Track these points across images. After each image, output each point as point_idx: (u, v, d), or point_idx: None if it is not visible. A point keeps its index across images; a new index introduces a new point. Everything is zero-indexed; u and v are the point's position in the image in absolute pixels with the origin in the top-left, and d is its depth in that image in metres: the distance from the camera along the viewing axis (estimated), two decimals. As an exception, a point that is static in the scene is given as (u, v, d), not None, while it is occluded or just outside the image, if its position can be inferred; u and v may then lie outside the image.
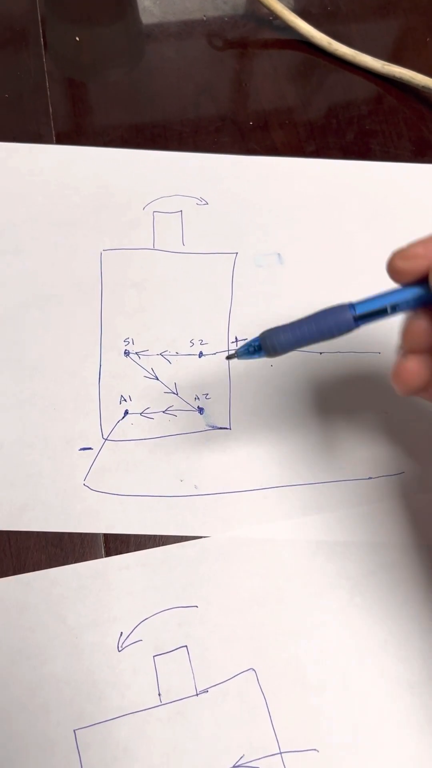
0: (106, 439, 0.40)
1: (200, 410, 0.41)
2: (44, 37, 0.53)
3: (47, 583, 0.37)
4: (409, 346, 0.28)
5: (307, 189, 0.48)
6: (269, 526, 0.39)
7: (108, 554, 0.38)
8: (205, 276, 0.45)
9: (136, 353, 0.43)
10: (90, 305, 0.44)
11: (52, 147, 0.48)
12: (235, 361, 0.43)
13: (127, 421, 0.41)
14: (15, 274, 0.44)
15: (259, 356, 0.31)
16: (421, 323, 0.27)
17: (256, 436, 0.41)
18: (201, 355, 0.43)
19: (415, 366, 0.28)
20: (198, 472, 0.40)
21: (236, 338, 0.44)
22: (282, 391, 0.42)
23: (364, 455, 0.41)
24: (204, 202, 0.47)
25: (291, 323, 0.30)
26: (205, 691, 0.36)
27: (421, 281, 0.27)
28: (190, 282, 0.45)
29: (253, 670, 0.36)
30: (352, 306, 0.29)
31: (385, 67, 0.52)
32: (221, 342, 0.43)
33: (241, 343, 0.43)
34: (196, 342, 0.43)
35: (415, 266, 0.26)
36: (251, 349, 0.31)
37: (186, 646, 0.37)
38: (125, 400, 0.41)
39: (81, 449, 0.40)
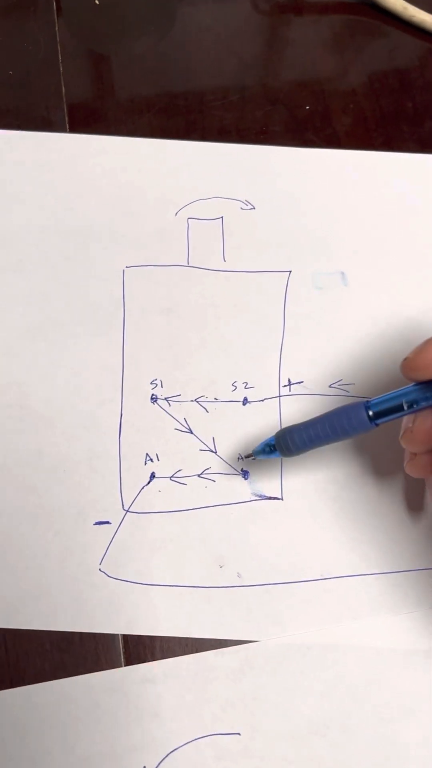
0: (127, 511, 0.33)
1: (245, 474, 0.33)
2: (57, 1, 0.44)
3: (52, 699, 0.30)
4: (412, 448, 0.28)
5: (380, 191, 0.39)
6: (331, 628, 0.31)
7: (128, 662, 0.31)
8: (251, 300, 0.36)
9: (166, 399, 0.34)
10: (109, 337, 0.35)
11: (65, 136, 0.40)
12: (289, 409, 0.34)
13: (154, 487, 0.33)
14: (17, 297, 0.36)
15: (277, 456, 0.30)
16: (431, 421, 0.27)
17: (314, 509, 0.33)
18: (246, 401, 0.35)
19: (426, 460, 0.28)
20: (242, 556, 0.32)
21: (289, 381, 0.35)
22: (349, 451, 0.34)
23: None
24: (250, 207, 0.38)
25: (306, 422, 0.29)
26: None
27: None
28: (232, 308, 0.36)
29: None
30: (368, 404, 0.28)
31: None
32: (270, 385, 0.35)
33: (295, 388, 0.35)
34: (240, 385, 0.35)
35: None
36: (267, 448, 0.30)
37: (226, 786, 0.29)
38: (151, 460, 0.33)
39: (96, 523, 0.32)
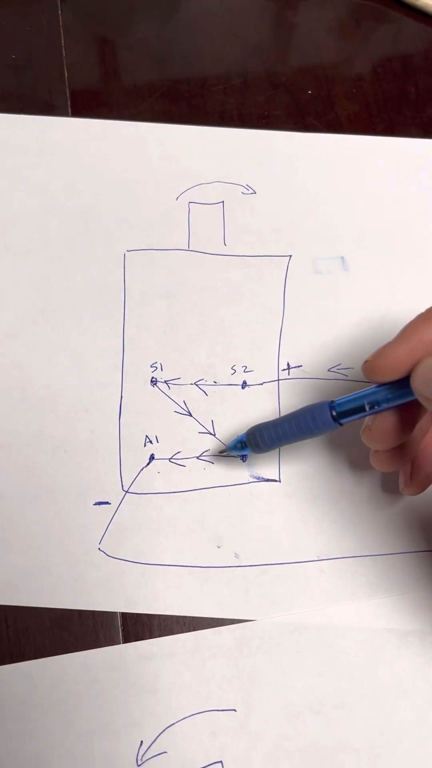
0: (126, 492, 0.33)
1: (243, 457, 0.34)
2: (61, -16, 0.44)
3: (51, 675, 0.30)
4: (372, 446, 0.28)
5: (381, 176, 0.39)
6: (327, 609, 0.32)
7: (126, 640, 0.31)
8: (252, 285, 0.37)
9: (165, 382, 0.35)
10: (110, 320, 0.36)
11: (67, 120, 0.40)
12: (288, 393, 0.35)
13: (153, 468, 0.33)
14: (20, 280, 0.36)
15: (248, 452, 0.31)
16: (389, 421, 0.27)
17: (312, 492, 0.33)
18: (245, 385, 0.35)
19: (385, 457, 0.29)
20: (240, 537, 0.32)
21: (288, 365, 0.35)
22: (346, 434, 0.34)
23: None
24: (251, 191, 0.39)
25: (274, 421, 0.30)
26: None
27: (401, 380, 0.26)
28: (232, 292, 0.36)
29: (306, 798, 0.29)
30: (332, 404, 0.28)
31: None
32: (269, 369, 0.35)
33: (294, 371, 0.35)
34: (239, 369, 0.35)
35: (396, 369, 0.25)
36: (239, 445, 0.31)
37: (221, 761, 0.29)
38: (151, 442, 0.34)
39: (96, 504, 0.33)
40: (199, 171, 0.39)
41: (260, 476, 0.33)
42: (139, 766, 0.29)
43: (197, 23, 0.44)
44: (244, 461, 0.34)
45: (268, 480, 0.33)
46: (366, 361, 0.26)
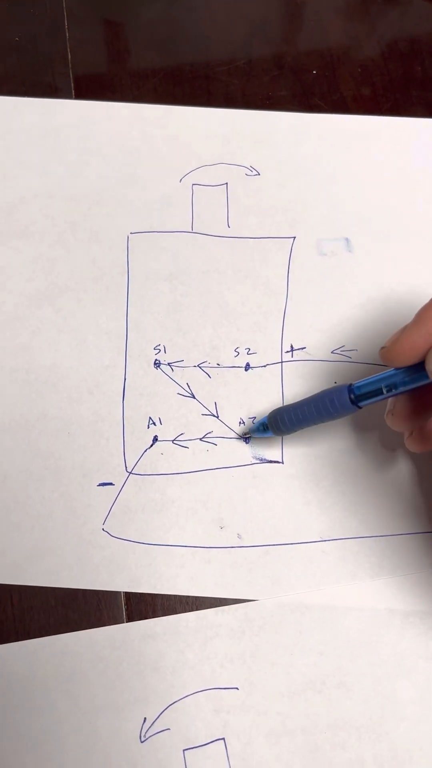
0: (130, 473, 0.33)
1: (246, 439, 0.34)
2: (64, -35, 0.43)
3: (56, 652, 0.31)
4: (395, 428, 0.29)
5: (385, 157, 0.39)
6: (329, 589, 0.32)
7: (130, 619, 0.31)
8: (255, 267, 0.36)
9: (168, 364, 0.35)
10: (114, 302, 0.36)
11: (70, 102, 0.40)
12: (291, 375, 0.35)
13: (157, 450, 0.33)
14: (23, 262, 0.36)
15: (270, 434, 0.32)
16: (410, 404, 0.28)
17: (314, 473, 0.33)
18: (248, 367, 0.35)
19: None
20: (242, 518, 0.32)
21: (291, 347, 0.35)
22: (350, 417, 0.34)
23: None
24: (255, 173, 0.38)
25: (294, 404, 0.30)
26: (247, 802, 0.29)
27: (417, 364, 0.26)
28: (236, 274, 0.36)
29: (307, 775, 0.29)
30: (351, 387, 0.28)
31: None
32: (273, 351, 0.35)
33: (297, 353, 0.35)
34: (242, 351, 0.35)
35: (413, 354, 0.26)
36: (262, 427, 0.32)
37: (223, 738, 0.30)
38: (154, 424, 0.34)
39: (100, 485, 0.33)
40: (202, 153, 0.39)
41: (263, 458, 0.33)
42: (142, 742, 0.30)
43: (202, 4, 0.44)
44: (247, 442, 0.34)
45: (271, 461, 0.34)
46: (383, 347, 0.27)
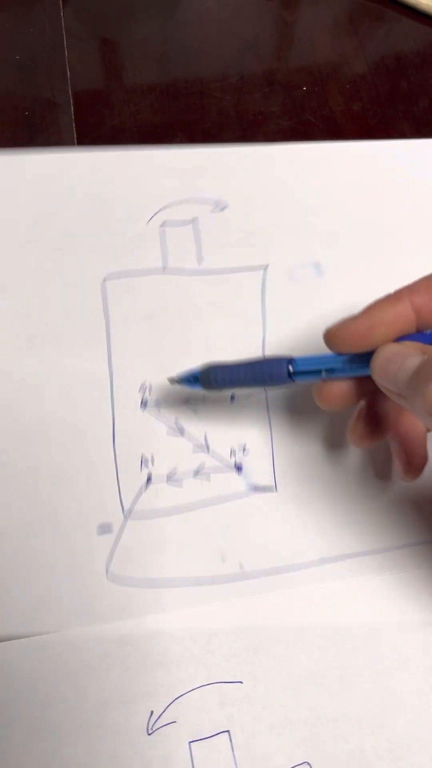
0: (127, 515, 0.33)
1: (238, 469, 0.34)
2: (62, -14, 0.45)
3: (65, 647, 0.31)
4: (320, 405, 0.30)
5: (349, 181, 0.39)
6: (332, 585, 0.33)
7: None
8: (230, 299, 0.37)
9: (155, 402, 0.35)
10: (95, 347, 0.35)
11: (29, 156, 0.38)
12: (276, 404, 0.35)
13: (152, 489, 0.34)
14: (2, 316, 0.35)
15: (198, 387, 0.32)
16: (339, 386, 0.29)
17: (308, 496, 0.34)
18: (233, 398, 0.35)
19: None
20: (242, 548, 0.33)
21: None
22: (336, 437, 0.35)
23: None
24: (223, 206, 0.38)
25: (233, 363, 0.31)
26: (252, 790, 0.30)
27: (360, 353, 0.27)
28: (212, 309, 0.36)
29: (308, 764, 0.30)
30: (291, 361, 0.29)
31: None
32: (255, 381, 0.36)
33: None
34: (226, 382, 0.36)
35: (355, 342, 0.27)
36: (192, 378, 0.32)
37: (228, 731, 0.31)
38: (146, 465, 0.34)
39: (99, 529, 0.33)
40: (168, 191, 0.38)
41: (257, 485, 0.34)
42: (149, 734, 0.30)
43: (195, 22, 0.45)
44: (239, 473, 0.34)
45: (264, 489, 0.34)
46: (327, 330, 0.27)
